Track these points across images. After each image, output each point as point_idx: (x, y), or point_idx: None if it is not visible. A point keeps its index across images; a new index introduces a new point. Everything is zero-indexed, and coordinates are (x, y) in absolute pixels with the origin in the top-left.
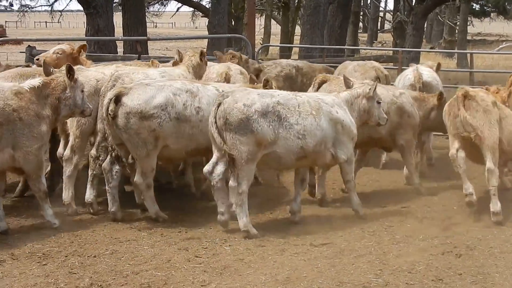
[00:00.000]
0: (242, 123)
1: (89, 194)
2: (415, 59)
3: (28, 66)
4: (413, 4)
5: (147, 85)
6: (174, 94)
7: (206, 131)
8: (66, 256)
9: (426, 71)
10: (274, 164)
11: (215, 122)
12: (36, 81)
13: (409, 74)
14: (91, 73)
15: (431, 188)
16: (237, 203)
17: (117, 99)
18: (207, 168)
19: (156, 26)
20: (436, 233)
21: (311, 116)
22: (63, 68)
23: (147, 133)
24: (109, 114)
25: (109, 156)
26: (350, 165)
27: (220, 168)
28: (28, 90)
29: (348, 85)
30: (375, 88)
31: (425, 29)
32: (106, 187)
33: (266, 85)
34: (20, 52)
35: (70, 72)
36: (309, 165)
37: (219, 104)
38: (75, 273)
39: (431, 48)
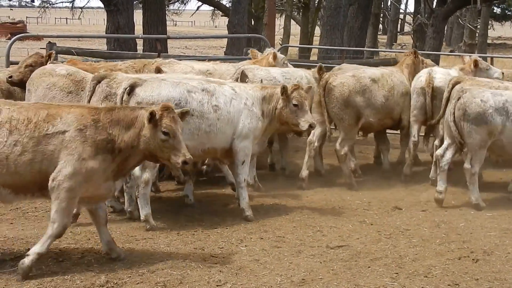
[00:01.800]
0: (479, 115)
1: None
2: (435, 62)
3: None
4: (434, 7)
5: (163, 80)
6: (189, 91)
7: (224, 130)
8: (82, 253)
9: (440, 74)
10: (497, 150)
11: (453, 113)
12: None
13: (422, 76)
14: (179, 67)
15: (449, 192)
16: (469, 182)
17: (131, 90)
18: (439, 152)
19: (175, 25)
20: (453, 238)
21: None
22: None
23: None
24: (121, 103)
25: None
26: None
27: (449, 154)
28: None
29: None
30: None
31: (445, 32)
32: (124, 187)
33: (284, 92)
34: (41, 48)
35: None
36: None
37: (459, 98)
38: (91, 270)
39: (450, 51)
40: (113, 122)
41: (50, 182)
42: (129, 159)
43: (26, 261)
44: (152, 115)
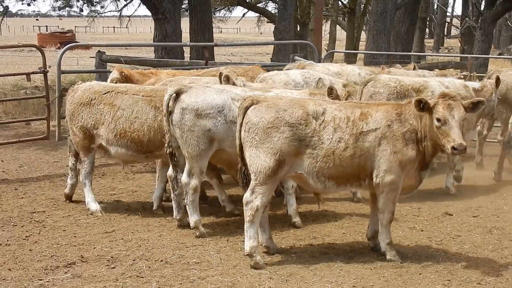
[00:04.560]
0: None
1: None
2: (483, 65)
3: None
4: (482, 9)
5: (207, 87)
6: (233, 99)
7: None
8: (133, 260)
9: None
10: None
11: None
12: None
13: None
14: (318, 68)
15: (500, 198)
16: None
17: (177, 96)
18: None
19: (221, 32)
20: (506, 244)
21: None
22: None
23: (201, 132)
24: (167, 109)
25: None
26: None
27: None
28: None
29: None
30: None
31: (493, 34)
32: (172, 195)
33: (331, 93)
34: (90, 57)
35: None
36: None
37: None
38: (142, 277)
39: (499, 54)
40: (411, 113)
41: (374, 178)
42: (426, 150)
43: (388, 255)
44: (419, 102)
